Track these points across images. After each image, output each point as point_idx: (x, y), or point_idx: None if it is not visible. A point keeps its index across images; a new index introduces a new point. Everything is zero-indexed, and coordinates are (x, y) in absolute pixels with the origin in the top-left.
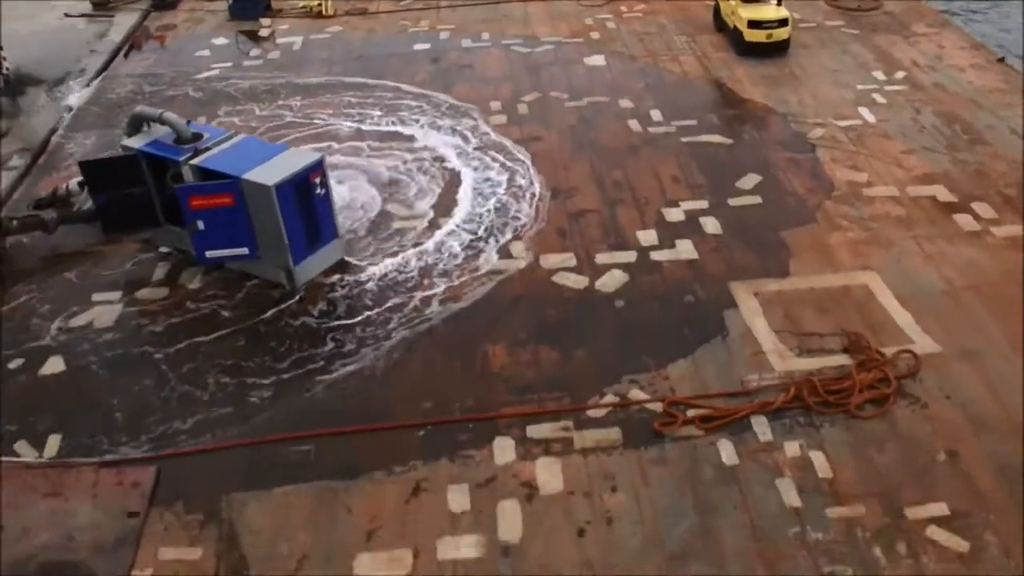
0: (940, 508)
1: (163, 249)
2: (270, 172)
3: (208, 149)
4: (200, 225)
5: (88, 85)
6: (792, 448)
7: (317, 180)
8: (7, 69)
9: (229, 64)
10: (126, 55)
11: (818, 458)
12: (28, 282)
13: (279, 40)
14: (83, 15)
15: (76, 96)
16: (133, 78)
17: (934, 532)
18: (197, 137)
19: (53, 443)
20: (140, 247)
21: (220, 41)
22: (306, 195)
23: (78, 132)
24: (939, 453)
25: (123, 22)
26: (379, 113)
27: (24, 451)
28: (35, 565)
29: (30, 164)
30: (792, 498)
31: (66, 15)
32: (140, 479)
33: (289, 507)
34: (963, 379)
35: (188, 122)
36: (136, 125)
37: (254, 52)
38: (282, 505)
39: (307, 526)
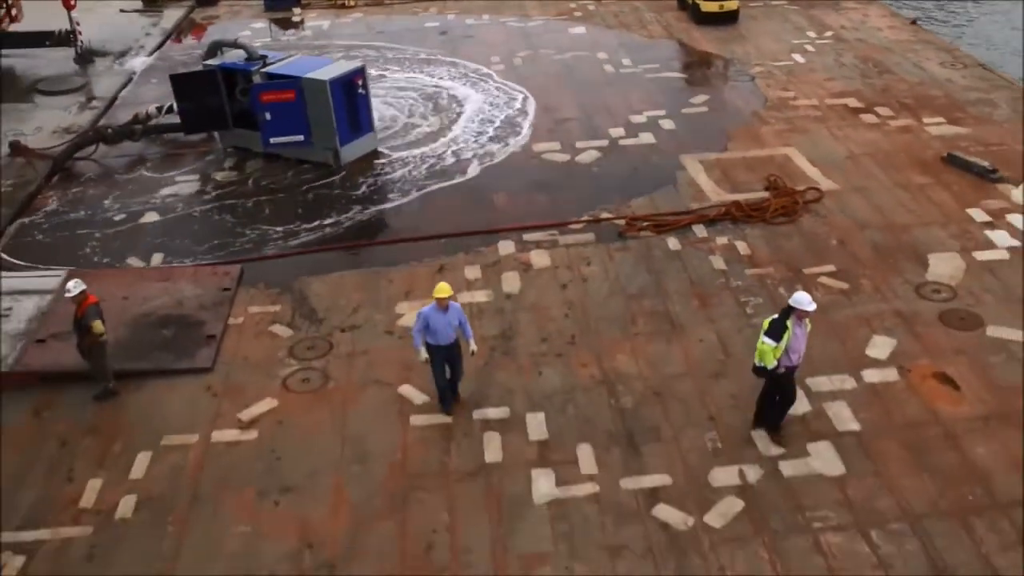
0: (829, 267)
1: (229, 149)
2: (324, 73)
3: (273, 64)
4: (268, 116)
5: (148, 56)
6: (722, 239)
7: (360, 82)
8: (82, 42)
9: (268, 39)
10: (176, 40)
11: (741, 245)
12: (120, 175)
13: (308, 24)
14: (136, 11)
15: (139, 62)
16: (185, 51)
17: (824, 279)
18: (263, 57)
19: (157, 258)
20: (209, 151)
21: (258, 25)
22: (351, 92)
23: (141, 87)
24: (832, 240)
25: (172, 15)
26: (398, 67)
27: (134, 263)
28: (156, 317)
29: (107, 106)
30: (720, 264)
31: (121, 11)
32: (229, 271)
33: (344, 282)
34: (854, 203)
35: None
36: (213, 51)
37: (289, 31)
38: (339, 282)
39: (359, 290)
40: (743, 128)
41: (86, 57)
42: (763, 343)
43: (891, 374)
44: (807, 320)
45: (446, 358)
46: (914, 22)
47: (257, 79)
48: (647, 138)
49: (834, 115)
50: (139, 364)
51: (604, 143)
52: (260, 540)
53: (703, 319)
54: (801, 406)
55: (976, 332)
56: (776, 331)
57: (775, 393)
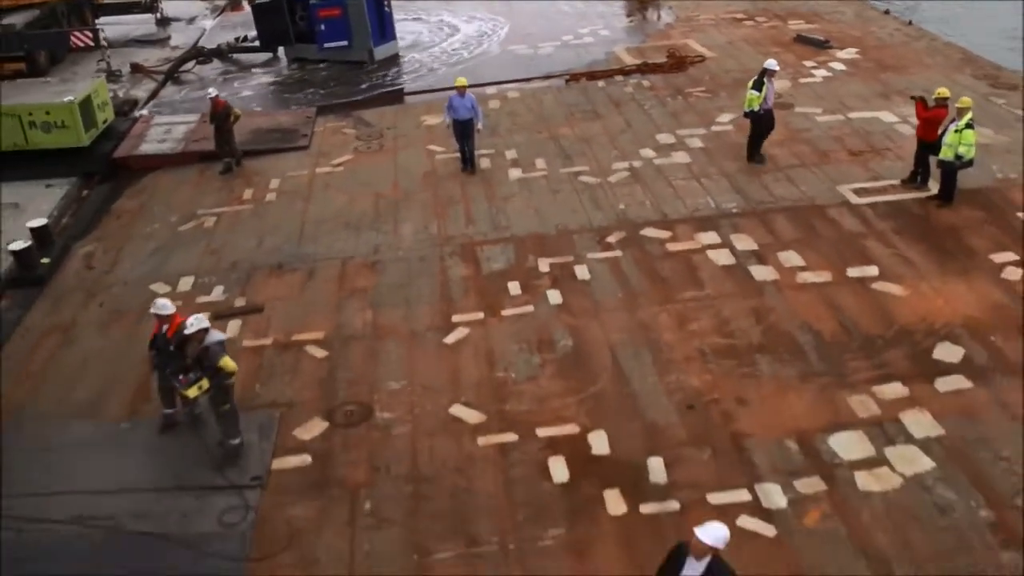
0: (701, 88)
1: (293, 68)
2: None
3: None
4: (322, 27)
5: (214, 19)
6: (633, 80)
7: (388, 3)
8: (162, 10)
9: None
10: (235, 8)
11: (645, 82)
12: (213, 79)
13: None
14: None
15: (208, 22)
16: (241, 16)
17: (696, 93)
18: None
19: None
20: (275, 67)
21: None
22: (380, 9)
23: (214, 37)
24: (705, 76)
25: None
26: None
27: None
28: (265, 129)
29: (191, 47)
30: (630, 90)
31: None
32: (309, 112)
33: (384, 112)
34: (726, 62)
35: None
36: None
37: None
38: (381, 112)
39: (395, 115)
40: (658, 32)
41: (165, 21)
42: (750, 94)
43: (727, 126)
44: (774, 79)
45: (461, 131)
46: None
47: (314, 1)
48: (588, 39)
49: (724, 23)
50: (260, 146)
51: (557, 43)
52: (352, 203)
53: (616, 113)
54: None
55: (789, 110)
56: (758, 85)
57: (757, 133)
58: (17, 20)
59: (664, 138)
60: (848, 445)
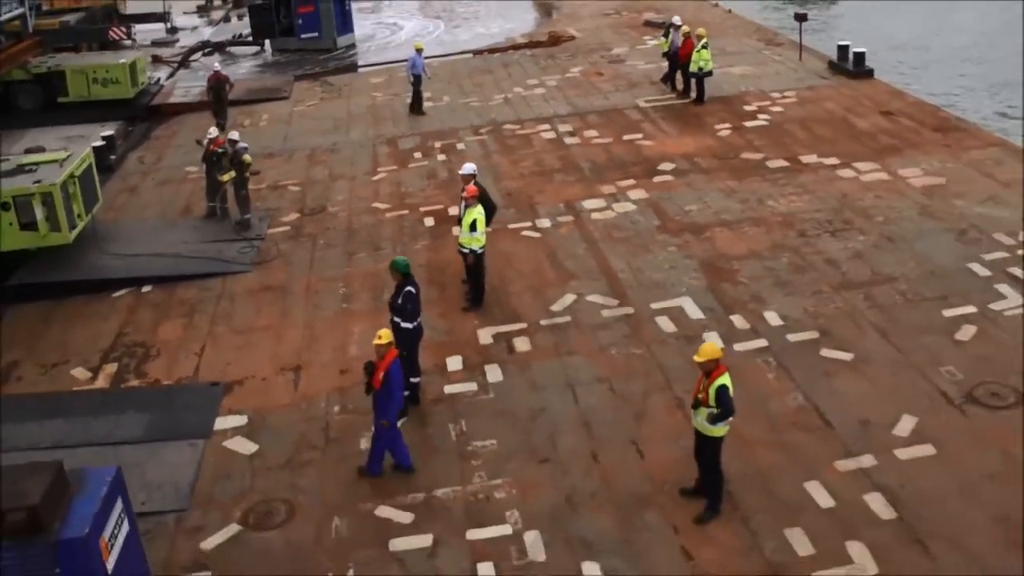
0: (569, 54)
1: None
2: None
3: None
4: (300, 22)
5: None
6: (519, 53)
7: (349, 4)
8: (171, 20)
9: None
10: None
11: (529, 52)
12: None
13: None
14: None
15: (207, 31)
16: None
17: (561, 59)
18: None
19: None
20: (262, 57)
21: None
22: (342, 6)
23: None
24: (572, 48)
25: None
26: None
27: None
28: (251, 87)
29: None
30: (519, 57)
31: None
32: (288, 79)
33: (344, 78)
34: (589, 39)
35: None
36: None
37: None
38: (342, 79)
39: (352, 80)
40: (548, 23)
41: (173, 30)
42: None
43: (575, 74)
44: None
45: (415, 83)
46: None
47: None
48: (499, 33)
49: (598, 17)
50: (254, 97)
51: (485, 32)
52: (319, 124)
53: (503, 70)
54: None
55: (622, 63)
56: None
57: (672, 68)
58: (71, 18)
59: (532, 82)
60: (592, 204)
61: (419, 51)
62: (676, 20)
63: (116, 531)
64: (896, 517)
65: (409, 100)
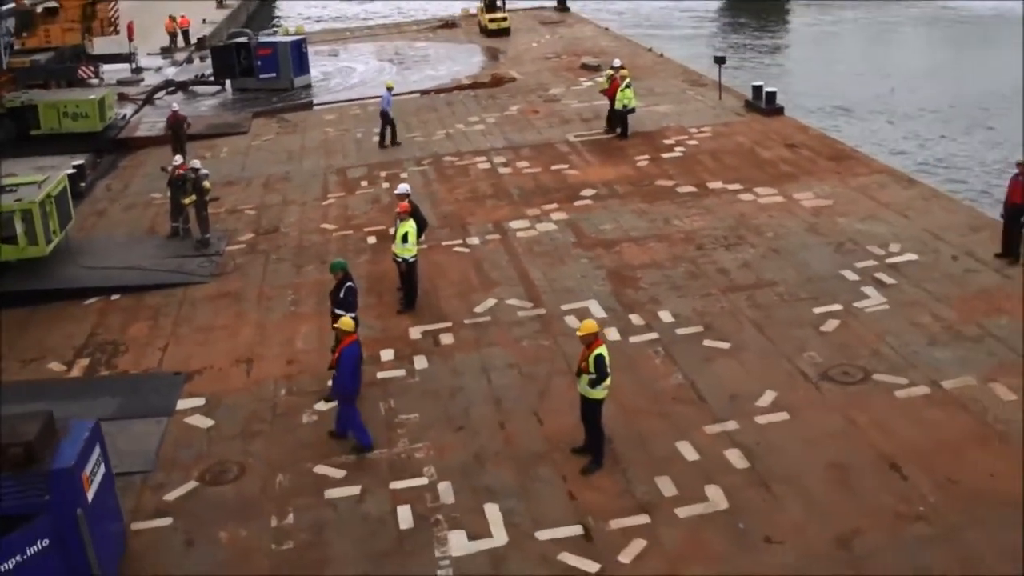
0: (518, 100)
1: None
2: (285, 40)
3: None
4: (259, 63)
5: (175, 69)
6: (468, 93)
7: (303, 46)
8: (136, 60)
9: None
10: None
11: (472, 93)
12: (178, 101)
13: None
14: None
15: (170, 71)
16: (196, 68)
17: (503, 97)
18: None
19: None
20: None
21: None
22: (299, 50)
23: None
24: (511, 89)
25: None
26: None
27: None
28: (210, 123)
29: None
30: (463, 97)
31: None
32: (247, 115)
33: (299, 116)
34: (530, 81)
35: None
36: (230, 36)
37: None
38: (297, 116)
39: (310, 116)
40: (492, 66)
41: (138, 69)
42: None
43: (513, 112)
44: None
45: (386, 114)
46: (607, 29)
47: (254, 44)
48: (446, 75)
49: (539, 61)
50: (214, 132)
51: (433, 74)
52: (274, 155)
53: (447, 108)
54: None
55: (557, 102)
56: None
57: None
58: (42, 57)
59: (473, 119)
60: (518, 224)
61: (389, 89)
62: (616, 63)
63: (95, 470)
64: (748, 467)
65: (377, 133)
